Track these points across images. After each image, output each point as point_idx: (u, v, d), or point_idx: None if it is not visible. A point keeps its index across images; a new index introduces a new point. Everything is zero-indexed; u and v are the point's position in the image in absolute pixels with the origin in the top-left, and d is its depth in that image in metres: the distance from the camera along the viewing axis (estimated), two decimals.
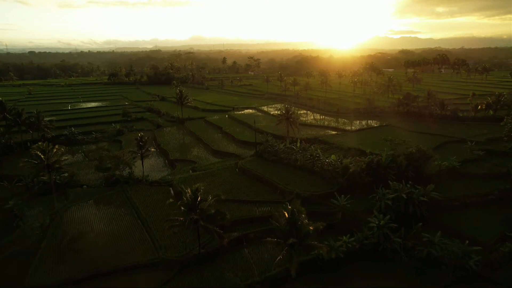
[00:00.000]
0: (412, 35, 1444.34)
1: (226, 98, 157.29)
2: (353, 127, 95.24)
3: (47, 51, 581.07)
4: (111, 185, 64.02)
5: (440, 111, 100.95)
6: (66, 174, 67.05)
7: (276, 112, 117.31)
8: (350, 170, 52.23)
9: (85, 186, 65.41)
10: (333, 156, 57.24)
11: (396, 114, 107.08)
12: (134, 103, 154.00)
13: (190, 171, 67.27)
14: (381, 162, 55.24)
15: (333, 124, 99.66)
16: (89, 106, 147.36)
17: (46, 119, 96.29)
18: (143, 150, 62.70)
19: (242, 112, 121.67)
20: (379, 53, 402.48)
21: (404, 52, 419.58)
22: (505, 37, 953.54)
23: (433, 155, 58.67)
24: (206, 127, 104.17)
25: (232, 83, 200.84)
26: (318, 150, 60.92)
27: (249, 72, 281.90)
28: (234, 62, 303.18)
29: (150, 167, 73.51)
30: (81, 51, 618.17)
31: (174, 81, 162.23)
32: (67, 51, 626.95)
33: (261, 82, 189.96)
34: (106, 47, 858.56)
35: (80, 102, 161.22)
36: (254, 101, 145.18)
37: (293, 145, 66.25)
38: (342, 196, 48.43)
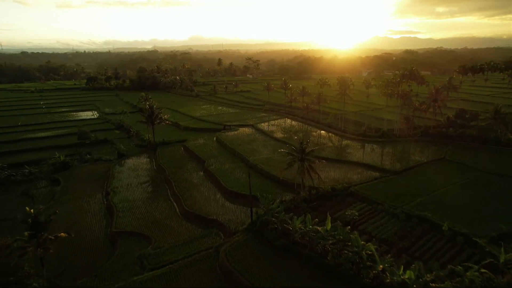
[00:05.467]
0: (412, 35, 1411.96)
1: (217, 110, 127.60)
2: (394, 164, 65.68)
3: (44, 52, 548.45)
4: None
5: None
6: None
7: (280, 134, 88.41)
8: None
9: None
10: (408, 273, 28.28)
11: (446, 139, 78.17)
12: (104, 116, 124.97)
13: (137, 268, 38.26)
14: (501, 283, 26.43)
15: (362, 156, 70.41)
16: (45, 121, 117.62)
17: None
18: (40, 241, 33.38)
19: (236, 132, 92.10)
20: (385, 53, 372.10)
21: (409, 52, 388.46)
22: (505, 37, 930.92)
23: None
24: (184, 160, 74.83)
25: (226, 89, 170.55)
26: (371, 247, 31.52)
27: (247, 75, 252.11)
28: (231, 64, 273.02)
29: (75, 248, 44.26)
30: (77, 52, 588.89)
31: (143, 93, 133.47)
32: (65, 51, 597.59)
33: (261, 88, 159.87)
34: (105, 48, 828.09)
35: (42, 113, 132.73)
36: (251, 114, 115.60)
37: (319, 227, 36.87)
38: None
